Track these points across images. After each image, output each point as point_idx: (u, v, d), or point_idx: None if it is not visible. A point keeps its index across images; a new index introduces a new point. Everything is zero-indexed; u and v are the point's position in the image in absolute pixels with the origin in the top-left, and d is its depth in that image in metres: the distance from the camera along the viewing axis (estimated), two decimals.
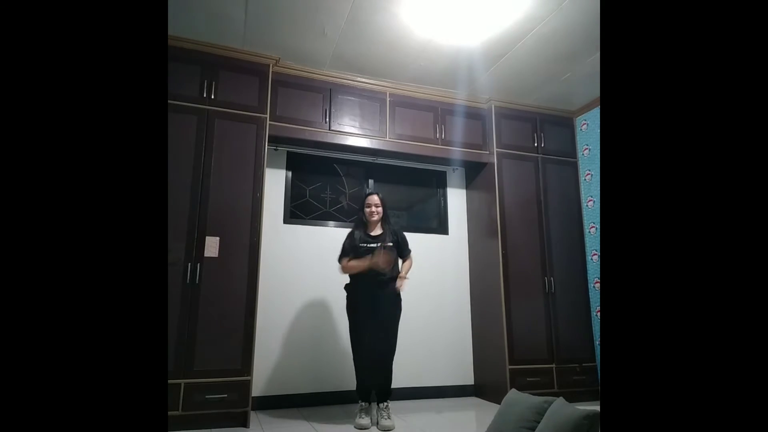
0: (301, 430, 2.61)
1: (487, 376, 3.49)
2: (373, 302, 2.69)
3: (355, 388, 2.80)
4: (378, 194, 2.90)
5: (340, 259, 2.81)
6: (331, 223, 3.54)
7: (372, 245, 2.74)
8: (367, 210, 2.84)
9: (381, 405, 2.67)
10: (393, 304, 2.76)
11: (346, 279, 2.84)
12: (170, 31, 2.78)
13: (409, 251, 2.91)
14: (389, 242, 2.79)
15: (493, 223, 3.50)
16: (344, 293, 2.84)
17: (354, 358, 2.77)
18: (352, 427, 2.63)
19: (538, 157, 3.71)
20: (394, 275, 2.77)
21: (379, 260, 2.65)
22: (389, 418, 2.63)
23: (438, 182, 3.98)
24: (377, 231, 2.86)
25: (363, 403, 2.71)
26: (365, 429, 2.59)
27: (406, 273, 2.83)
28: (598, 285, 3.50)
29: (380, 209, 2.84)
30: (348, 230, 2.95)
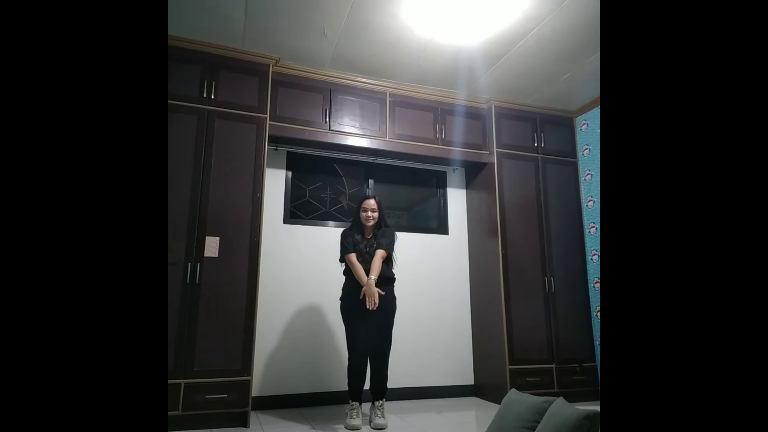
0: (301, 430, 2.61)
1: (487, 376, 3.49)
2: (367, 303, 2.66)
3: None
4: (375, 198, 2.84)
5: (344, 254, 2.76)
6: (331, 223, 3.54)
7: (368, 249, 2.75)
8: (363, 215, 2.79)
9: (376, 404, 2.66)
10: (387, 304, 2.70)
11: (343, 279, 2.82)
12: (170, 31, 2.78)
13: (388, 245, 2.74)
14: (375, 247, 2.73)
15: (493, 223, 3.50)
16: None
17: (348, 358, 2.74)
18: (343, 427, 2.61)
19: (538, 157, 3.71)
20: (389, 276, 2.75)
21: (371, 295, 2.59)
22: (383, 416, 2.62)
23: (438, 182, 3.97)
24: (369, 235, 2.83)
25: (354, 403, 2.67)
26: (357, 430, 2.57)
27: (375, 275, 2.63)
28: (598, 285, 3.50)
29: (376, 215, 2.79)
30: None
